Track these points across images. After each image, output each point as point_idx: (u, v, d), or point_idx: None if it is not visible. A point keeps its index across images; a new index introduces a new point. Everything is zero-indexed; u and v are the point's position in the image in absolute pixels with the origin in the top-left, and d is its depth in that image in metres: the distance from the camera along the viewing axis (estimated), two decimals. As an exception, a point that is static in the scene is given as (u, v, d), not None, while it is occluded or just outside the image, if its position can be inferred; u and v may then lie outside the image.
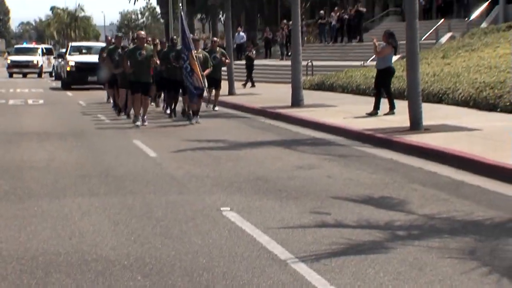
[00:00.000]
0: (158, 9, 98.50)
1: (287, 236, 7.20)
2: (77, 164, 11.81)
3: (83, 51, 36.24)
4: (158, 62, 17.59)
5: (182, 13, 19.97)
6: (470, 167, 10.49)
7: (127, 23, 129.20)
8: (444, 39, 31.02)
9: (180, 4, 16.96)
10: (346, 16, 39.11)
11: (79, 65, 33.40)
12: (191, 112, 18.14)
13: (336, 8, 43.14)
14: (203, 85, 17.51)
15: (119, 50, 19.84)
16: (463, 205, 8.46)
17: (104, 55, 21.31)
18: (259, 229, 7.49)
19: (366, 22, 42.23)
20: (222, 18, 61.58)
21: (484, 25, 31.18)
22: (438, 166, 10.94)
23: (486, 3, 33.18)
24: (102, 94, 26.72)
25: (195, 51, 17.56)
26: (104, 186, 9.92)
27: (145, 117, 17.69)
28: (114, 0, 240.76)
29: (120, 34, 24.67)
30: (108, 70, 21.10)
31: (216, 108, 21.72)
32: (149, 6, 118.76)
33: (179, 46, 19.56)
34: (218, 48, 21.61)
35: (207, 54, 18.93)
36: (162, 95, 21.54)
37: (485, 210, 8.20)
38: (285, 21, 40.29)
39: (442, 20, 33.57)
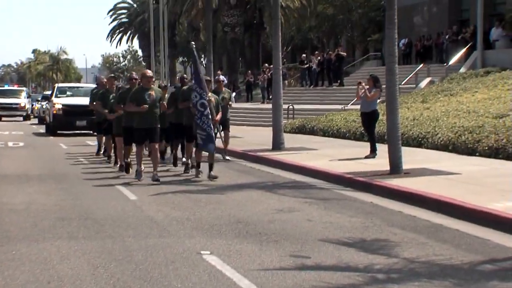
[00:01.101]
0: (140, 52, 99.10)
1: (267, 280, 7.19)
2: (56, 207, 11.75)
3: (70, 93, 33.55)
4: (166, 106, 15.39)
5: (194, 48, 16.06)
6: (449, 211, 10.55)
7: (109, 65, 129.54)
8: (423, 84, 31.36)
9: (193, 43, 16.41)
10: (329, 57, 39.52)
11: (67, 108, 30.41)
12: (189, 162, 16.27)
13: (316, 52, 43.59)
14: (218, 132, 15.93)
15: (112, 94, 18.16)
16: (442, 249, 8.50)
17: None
18: (239, 273, 7.47)
19: (347, 66, 42.66)
20: (204, 61, 62.09)
21: (462, 70, 31.58)
22: (418, 209, 10.99)
23: (465, 49, 33.63)
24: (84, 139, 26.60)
25: (208, 94, 15.18)
26: (83, 230, 9.87)
27: (156, 172, 14.88)
28: (96, 43, 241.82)
29: (113, 75, 22.85)
30: (100, 115, 19.37)
31: (227, 157, 19.40)
32: (131, 49, 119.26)
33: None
34: (224, 89, 19.56)
35: (217, 97, 16.31)
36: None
37: (464, 254, 8.24)
38: (266, 64, 40.60)
39: (422, 65, 33.98)
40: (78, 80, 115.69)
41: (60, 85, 38.24)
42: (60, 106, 30.72)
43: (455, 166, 14.58)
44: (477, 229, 9.53)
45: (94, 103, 19.58)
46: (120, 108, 15.73)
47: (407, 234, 9.33)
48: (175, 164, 17.46)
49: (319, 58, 40.70)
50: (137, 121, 14.81)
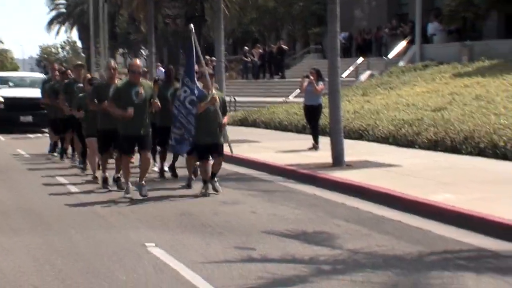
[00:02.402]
0: (79, 43, 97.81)
1: (212, 272, 7.21)
2: (-3, 200, 11.57)
3: (12, 83, 28.57)
4: (159, 105, 11.97)
5: (193, 33, 12.72)
6: (391, 202, 10.72)
7: (46, 56, 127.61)
8: (363, 77, 31.71)
9: (192, 25, 13.02)
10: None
11: (9, 102, 25.83)
12: (193, 177, 13.05)
13: (257, 45, 43.67)
14: (227, 142, 12.96)
15: (79, 84, 15.45)
16: (385, 240, 8.64)
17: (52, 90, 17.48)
18: (184, 265, 7.49)
19: (288, 59, 42.84)
20: (144, 53, 61.58)
21: (401, 63, 32.02)
22: (360, 201, 11.14)
23: (404, 43, 34.10)
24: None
25: (210, 90, 12.17)
26: (26, 224, 9.75)
27: (144, 182, 11.96)
28: (34, 34, 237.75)
29: (81, 63, 18.85)
30: (56, 110, 17.08)
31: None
32: (70, 40, 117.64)
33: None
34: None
35: (223, 95, 13.00)
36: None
37: (406, 245, 8.38)
38: (208, 57, 40.51)
39: (362, 58, 34.35)
40: (15, 70, 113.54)
41: (0, 74, 32.55)
42: (1, 99, 26.13)
43: (396, 158, 14.81)
44: (418, 221, 9.70)
45: (51, 97, 17.44)
46: (96, 106, 12.76)
47: (351, 225, 9.45)
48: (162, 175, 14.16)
49: (260, 51, 40.79)
50: (123, 126, 11.63)
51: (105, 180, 12.76)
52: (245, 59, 41.39)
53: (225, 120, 12.30)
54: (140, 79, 11.76)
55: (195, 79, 12.25)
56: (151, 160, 12.96)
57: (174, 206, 10.85)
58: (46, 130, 20.91)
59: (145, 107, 11.69)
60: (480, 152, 14.63)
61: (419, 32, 32.42)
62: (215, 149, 12.02)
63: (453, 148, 15.43)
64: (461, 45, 29.90)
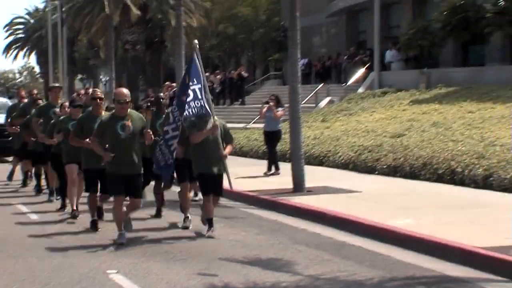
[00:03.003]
0: (37, 68, 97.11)
1: None
2: (-46, 227, 11.39)
3: None
4: (152, 136, 10.34)
5: (196, 52, 11.07)
6: (352, 228, 10.80)
7: (3, 82, 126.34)
8: (323, 103, 31.95)
9: (196, 41, 11.37)
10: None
11: None
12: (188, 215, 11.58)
13: (217, 71, 43.82)
14: (226, 173, 11.07)
15: (55, 109, 13.96)
16: (346, 265, 8.69)
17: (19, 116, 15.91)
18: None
19: (248, 85, 43.03)
20: (103, 79, 61.36)
21: (360, 90, 32.34)
22: (321, 227, 11.19)
23: (363, 70, 34.50)
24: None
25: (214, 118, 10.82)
26: (-16, 250, 9.61)
27: (126, 226, 10.32)
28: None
29: (58, 85, 16.87)
30: (22, 137, 15.69)
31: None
32: (27, 65, 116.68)
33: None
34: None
35: (223, 122, 11.46)
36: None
37: (367, 270, 8.45)
38: (168, 82, 40.49)
39: (321, 84, 34.62)
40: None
41: None
42: None
43: (356, 184, 14.92)
44: (379, 246, 9.78)
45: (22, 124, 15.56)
46: (77, 142, 11.21)
47: (312, 251, 9.49)
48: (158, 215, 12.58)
49: (218, 76, 40.95)
50: (109, 163, 10.07)
51: (94, 224, 11.14)
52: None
53: (227, 150, 10.85)
54: (128, 110, 10.15)
55: (208, 108, 10.75)
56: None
57: (136, 233, 10.77)
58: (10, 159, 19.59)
59: (134, 142, 10.03)
60: (439, 178, 14.82)
61: (378, 59, 32.85)
62: (214, 184, 10.66)
63: (412, 174, 15.60)
64: (418, 73, 30.36)
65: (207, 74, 41.63)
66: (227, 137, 11.04)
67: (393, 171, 16.23)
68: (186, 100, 10.51)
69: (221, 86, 40.37)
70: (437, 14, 30.70)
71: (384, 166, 16.57)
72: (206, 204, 10.68)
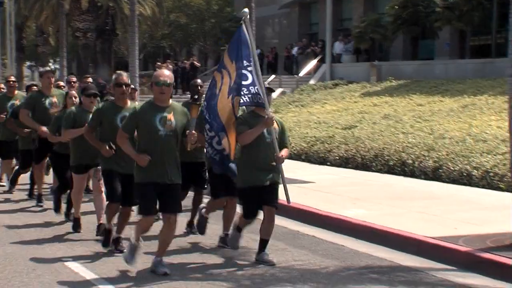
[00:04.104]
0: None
1: (132, 285, 7.24)
2: None
3: None
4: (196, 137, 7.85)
5: (246, 23, 8.69)
6: (305, 218, 10.95)
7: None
8: (275, 94, 32.08)
9: (246, 10, 8.79)
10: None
11: None
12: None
13: (168, 61, 43.67)
14: (284, 187, 8.80)
15: (52, 99, 11.79)
16: (301, 254, 8.84)
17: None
18: (103, 279, 7.52)
19: (200, 75, 43.00)
20: (52, 66, 60.60)
21: (312, 82, 32.57)
22: (276, 217, 11.27)
23: (315, 62, 34.74)
24: None
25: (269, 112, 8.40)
26: None
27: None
28: None
29: (49, 68, 13.94)
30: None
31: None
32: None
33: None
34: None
35: (281, 121, 9.05)
36: None
37: (321, 259, 8.61)
38: (119, 71, 40.20)
39: (273, 76, 34.77)
40: None
41: None
42: None
43: (309, 175, 15.09)
44: (332, 236, 9.96)
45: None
46: (96, 142, 8.80)
47: (275, 242, 9.58)
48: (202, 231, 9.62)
49: (170, 66, 40.81)
50: (138, 170, 7.72)
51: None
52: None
53: (283, 153, 8.48)
54: (170, 100, 7.84)
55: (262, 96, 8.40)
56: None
57: (89, 221, 10.59)
58: None
59: (175, 143, 7.77)
60: (390, 169, 15.07)
61: (329, 52, 33.13)
62: (267, 196, 8.53)
63: (364, 165, 15.83)
64: (369, 65, 30.71)
65: (158, 63, 41.63)
66: (283, 139, 8.67)
67: (345, 162, 16.44)
68: (241, 83, 8.38)
69: (174, 75, 40.27)
70: (388, 8, 31.08)
71: (336, 157, 16.77)
72: (264, 224, 8.60)
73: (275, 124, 8.44)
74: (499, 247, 8.40)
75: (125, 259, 7.76)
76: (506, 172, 12.10)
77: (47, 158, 11.88)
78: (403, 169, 14.78)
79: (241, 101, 8.36)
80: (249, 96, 8.39)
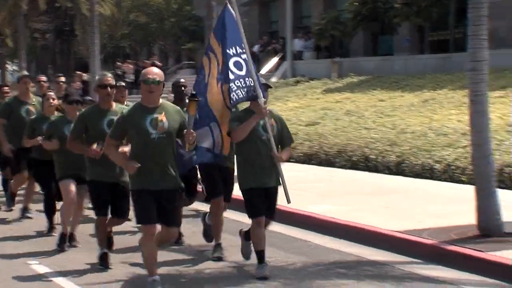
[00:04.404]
0: None
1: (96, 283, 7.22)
2: None
3: None
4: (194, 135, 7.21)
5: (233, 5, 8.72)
6: (271, 215, 10.97)
7: None
8: (237, 93, 32.07)
9: None
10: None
11: None
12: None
13: (128, 61, 43.46)
14: (284, 188, 8.15)
15: (28, 107, 11.20)
16: (268, 251, 8.73)
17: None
18: (70, 280, 7.51)
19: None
20: (10, 68, 59.86)
21: (274, 79, 32.64)
22: (242, 215, 11.27)
23: (276, 59, 34.82)
24: None
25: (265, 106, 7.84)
26: None
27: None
28: None
29: (26, 73, 13.21)
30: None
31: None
32: None
33: None
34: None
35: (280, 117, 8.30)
36: None
37: (288, 255, 8.66)
38: (79, 72, 39.92)
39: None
40: None
41: None
42: None
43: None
44: (298, 232, 10.02)
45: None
46: (80, 148, 8.25)
47: (234, 238, 9.55)
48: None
49: (131, 66, 40.63)
50: (137, 176, 7.06)
51: (104, 258, 8.10)
52: (119, 73, 41.08)
53: (283, 153, 7.97)
54: (161, 100, 7.18)
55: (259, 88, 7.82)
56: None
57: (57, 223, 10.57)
58: None
59: (170, 146, 7.13)
60: (353, 165, 15.19)
61: (290, 49, 33.25)
62: (268, 200, 8.00)
63: (328, 161, 15.94)
64: (330, 62, 30.89)
65: (118, 63, 41.36)
66: (284, 137, 8.04)
67: (309, 158, 16.53)
68: (236, 73, 7.91)
69: (134, 75, 40.03)
70: (348, 5, 31.32)
71: (300, 154, 16.85)
72: (257, 231, 7.82)
73: (272, 120, 7.81)
74: (462, 239, 8.54)
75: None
76: (468, 165, 12.28)
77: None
78: (367, 164, 14.91)
79: (237, 96, 7.84)
80: (245, 89, 7.89)
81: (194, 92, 7.20)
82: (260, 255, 7.72)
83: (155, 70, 7.17)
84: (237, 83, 7.87)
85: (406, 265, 8.21)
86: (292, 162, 16.82)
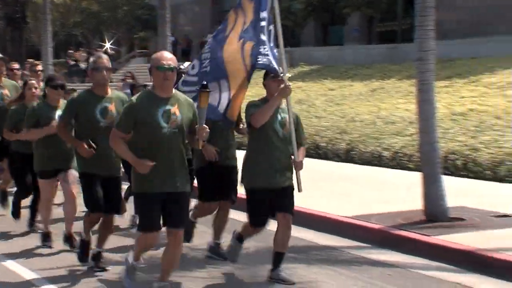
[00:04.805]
0: None
1: (69, 282, 7.25)
2: None
3: None
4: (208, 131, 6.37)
5: None
6: (224, 202, 11.15)
7: None
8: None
9: None
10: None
11: None
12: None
13: (81, 49, 43.15)
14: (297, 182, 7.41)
15: (3, 91, 10.59)
16: (222, 237, 9.03)
17: None
18: (40, 276, 7.47)
19: (113, 63, 42.64)
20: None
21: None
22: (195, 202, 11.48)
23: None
24: None
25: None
26: None
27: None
28: None
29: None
30: None
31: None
32: None
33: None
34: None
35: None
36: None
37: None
38: (31, 60, 39.51)
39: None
40: None
41: None
42: None
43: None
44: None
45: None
46: (71, 139, 7.50)
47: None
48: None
49: (84, 54, 40.35)
50: (138, 178, 6.26)
51: (95, 255, 7.67)
52: (71, 62, 40.77)
53: (301, 156, 7.29)
54: (173, 90, 6.40)
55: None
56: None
57: (27, 218, 9.95)
58: None
59: (181, 141, 6.31)
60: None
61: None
62: (282, 201, 7.31)
63: (279, 149, 16.15)
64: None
65: (70, 51, 41.01)
66: (298, 134, 7.23)
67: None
68: (260, 37, 7.12)
69: (87, 63, 39.80)
70: (299, -5, 31.57)
71: (252, 142, 17.03)
72: (277, 233, 7.22)
73: (286, 115, 7.04)
74: (409, 224, 8.84)
75: (123, 285, 6.66)
76: (414, 152, 12.64)
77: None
78: (317, 152, 15.19)
79: (259, 61, 7.04)
80: (267, 58, 7.05)
81: (205, 83, 6.20)
82: (279, 258, 7.20)
83: (169, 55, 6.32)
84: (266, 49, 7.10)
85: (355, 249, 8.47)
86: (243, 150, 17.01)
